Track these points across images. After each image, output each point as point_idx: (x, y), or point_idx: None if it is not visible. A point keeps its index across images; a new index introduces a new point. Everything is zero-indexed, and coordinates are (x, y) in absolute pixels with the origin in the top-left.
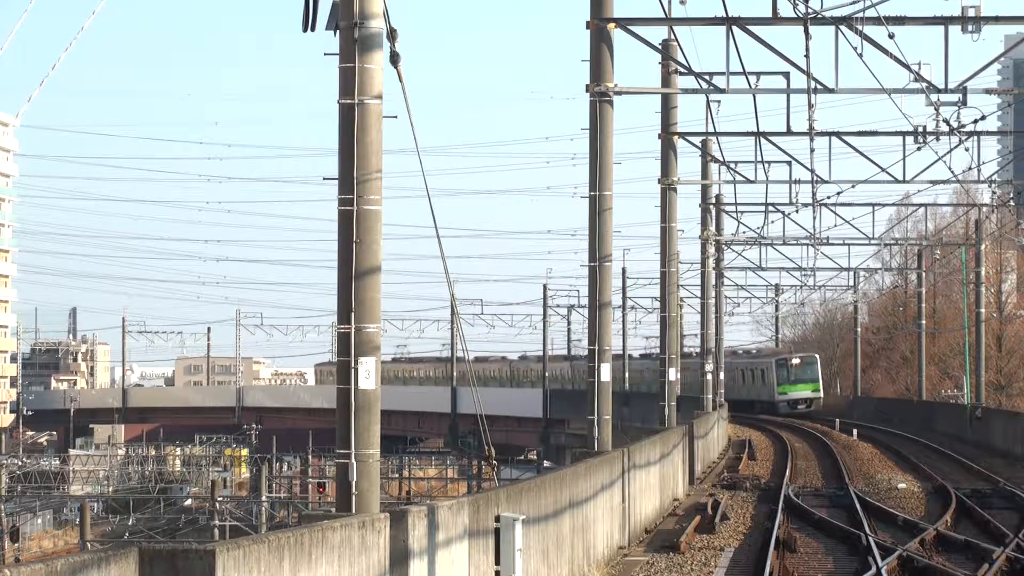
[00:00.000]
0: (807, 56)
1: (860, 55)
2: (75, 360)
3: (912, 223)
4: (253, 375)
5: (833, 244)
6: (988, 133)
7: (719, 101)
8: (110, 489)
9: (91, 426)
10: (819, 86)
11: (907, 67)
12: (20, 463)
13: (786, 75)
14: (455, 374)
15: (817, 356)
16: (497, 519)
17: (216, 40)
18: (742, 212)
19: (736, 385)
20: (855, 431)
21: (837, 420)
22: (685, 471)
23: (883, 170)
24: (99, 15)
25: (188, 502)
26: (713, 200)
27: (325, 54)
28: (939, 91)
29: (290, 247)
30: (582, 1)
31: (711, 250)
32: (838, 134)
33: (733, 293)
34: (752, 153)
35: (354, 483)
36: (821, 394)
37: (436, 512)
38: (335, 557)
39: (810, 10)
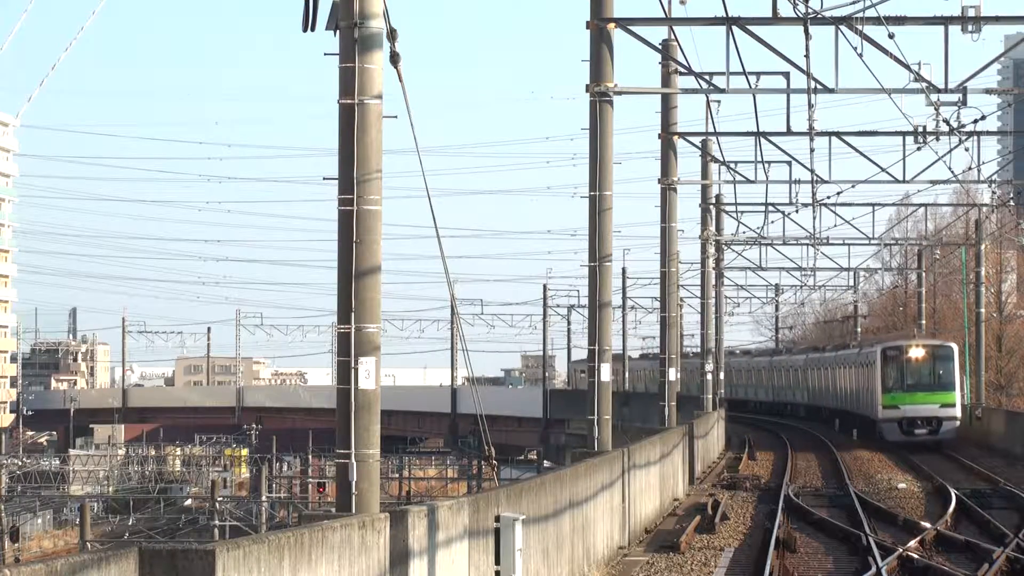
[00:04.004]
0: (807, 56)
1: (860, 55)
2: (75, 360)
3: (912, 223)
4: (253, 375)
5: (833, 244)
6: (988, 133)
7: (719, 101)
8: (110, 489)
9: (91, 426)
10: (819, 86)
11: (907, 67)
12: (20, 463)
13: (786, 75)
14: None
15: (954, 347)
16: (497, 519)
17: (216, 40)
18: (742, 212)
19: (812, 387)
20: (855, 431)
21: (836, 422)
22: (685, 471)
23: (883, 170)
24: (99, 15)
25: (188, 502)
26: (713, 200)
27: (325, 54)
28: (939, 91)
29: (290, 247)
30: (582, 1)
31: (711, 250)
32: (838, 134)
33: (733, 293)
34: (752, 153)
35: (354, 483)
36: (958, 411)
37: (436, 512)
38: (335, 557)
39: (810, 10)
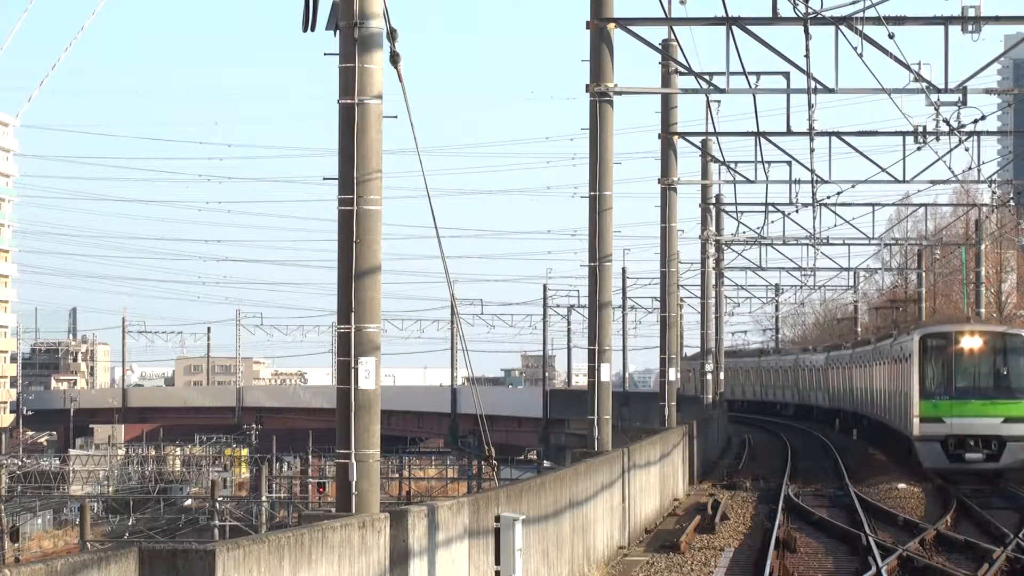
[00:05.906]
0: (807, 56)
1: (860, 55)
2: (75, 360)
3: (912, 223)
4: (253, 375)
5: (833, 244)
6: (988, 133)
7: (719, 101)
8: (110, 489)
9: (91, 426)
10: (819, 86)
11: (907, 67)
12: (20, 463)
13: (786, 75)
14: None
15: None
16: (497, 519)
17: (216, 40)
18: (742, 212)
19: (836, 389)
20: (855, 431)
21: (837, 420)
22: (685, 471)
23: (883, 170)
24: (99, 15)
25: (188, 502)
26: (713, 200)
27: (325, 54)
28: (939, 91)
29: (290, 247)
30: (582, 1)
31: (711, 250)
32: (838, 134)
33: (733, 293)
34: (752, 153)
35: (354, 483)
36: None
37: (436, 512)
38: (335, 557)
39: (810, 10)
